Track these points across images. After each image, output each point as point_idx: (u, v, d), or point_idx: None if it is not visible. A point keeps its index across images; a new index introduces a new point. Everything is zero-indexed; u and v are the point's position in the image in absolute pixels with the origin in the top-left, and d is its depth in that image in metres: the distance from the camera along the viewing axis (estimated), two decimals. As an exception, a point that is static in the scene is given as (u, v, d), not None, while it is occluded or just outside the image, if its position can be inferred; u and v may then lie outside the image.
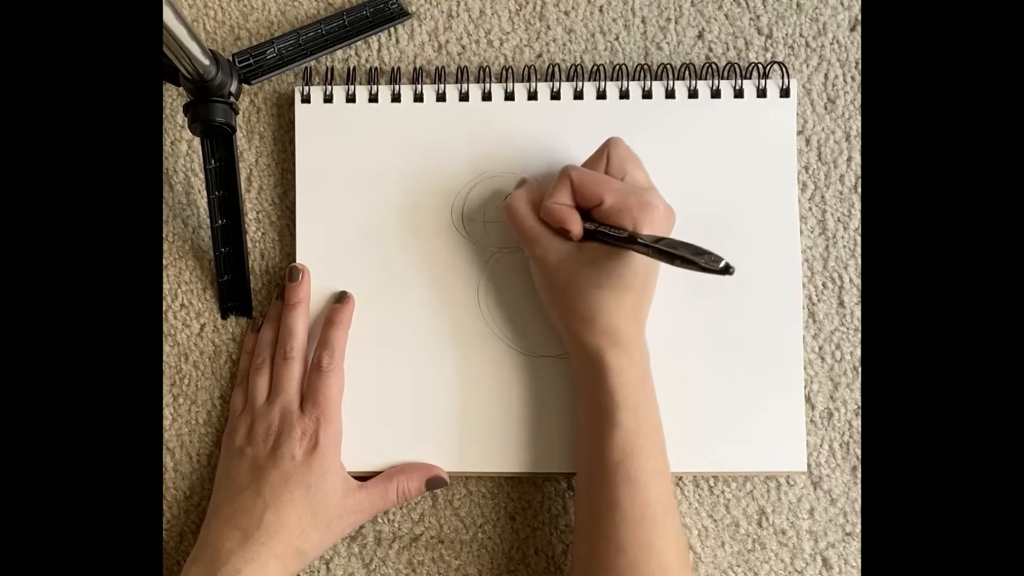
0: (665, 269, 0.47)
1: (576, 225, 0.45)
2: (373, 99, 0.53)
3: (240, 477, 0.48)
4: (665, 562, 0.43)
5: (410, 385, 0.51)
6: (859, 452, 0.51)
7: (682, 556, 0.44)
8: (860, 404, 0.51)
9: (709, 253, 0.39)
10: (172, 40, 0.42)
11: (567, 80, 0.53)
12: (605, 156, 0.47)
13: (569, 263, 0.45)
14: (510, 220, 0.48)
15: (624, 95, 0.52)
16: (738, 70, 0.52)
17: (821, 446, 0.51)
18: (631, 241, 0.43)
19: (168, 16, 0.40)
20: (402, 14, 0.54)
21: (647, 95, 0.52)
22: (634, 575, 0.42)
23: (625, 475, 0.43)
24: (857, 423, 0.51)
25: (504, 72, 0.53)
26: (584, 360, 0.46)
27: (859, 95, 0.53)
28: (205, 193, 0.52)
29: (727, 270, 0.38)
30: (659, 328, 0.48)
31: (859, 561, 0.50)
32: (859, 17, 0.54)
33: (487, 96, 0.52)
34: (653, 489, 0.43)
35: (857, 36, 0.54)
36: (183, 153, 0.54)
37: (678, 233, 0.44)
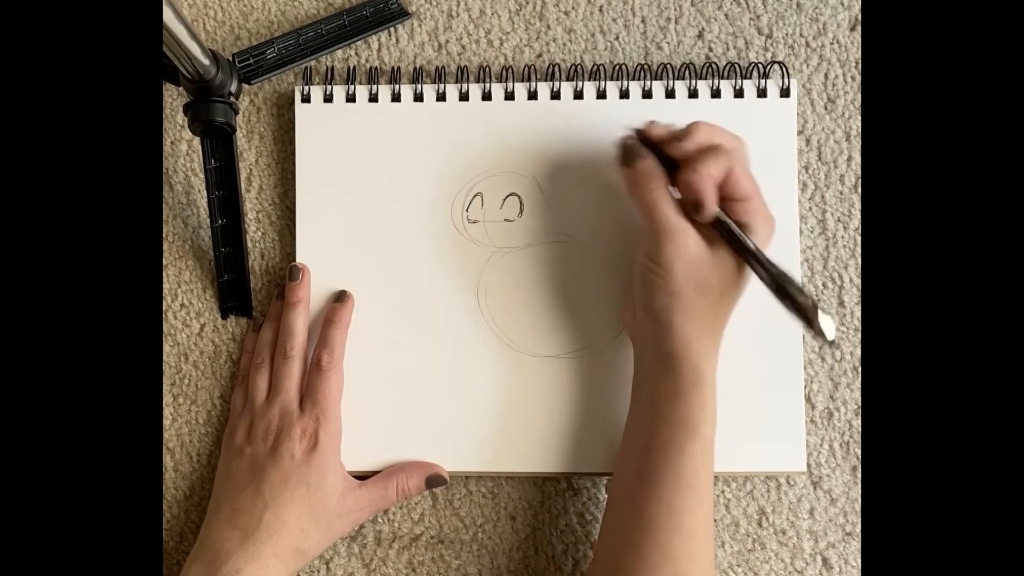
0: None
1: (713, 206, 0.42)
2: (373, 99, 0.53)
3: (240, 476, 0.48)
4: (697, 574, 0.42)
5: (410, 385, 0.51)
6: (859, 452, 0.51)
7: (711, 567, 0.44)
8: (860, 404, 0.51)
9: (815, 308, 0.40)
10: (172, 40, 0.42)
11: (567, 80, 0.53)
12: (727, 142, 0.44)
13: (701, 264, 0.43)
14: (640, 196, 0.44)
15: (624, 95, 0.52)
16: (738, 70, 0.52)
17: (821, 446, 0.51)
18: (752, 254, 0.42)
19: (168, 16, 0.40)
20: (402, 14, 0.54)
21: (647, 95, 0.52)
22: None
23: (691, 485, 0.42)
24: (857, 423, 0.51)
25: (504, 72, 0.53)
26: (681, 367, 0.43)
27: (859, 95, 0.53)
28: (205, 193, 0.52)
29: (822, 336, 0.39)
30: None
31: (859, 561, 0.50)
32: (859, 17, 0.54)
33: (487, 96, 0.52)
34: (710, 504, 0.43)
35: (857, 36, 0.54)
36: (183, 153, 0.54)
37: None
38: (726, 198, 0.43)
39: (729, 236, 0.43)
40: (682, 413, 0.43)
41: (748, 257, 0.43)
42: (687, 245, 0.43)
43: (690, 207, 0.43)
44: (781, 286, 0.41)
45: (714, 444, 0.44)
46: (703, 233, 0.43)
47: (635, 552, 0.42)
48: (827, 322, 0.40)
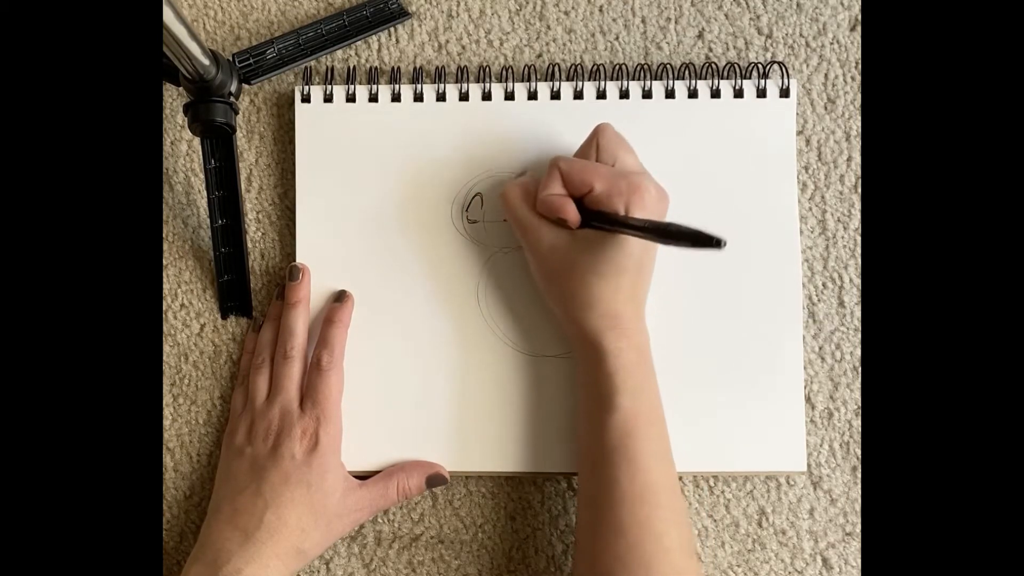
0: (663, 257, 0.47)
1: (572, 213, 0.45)
2: (373, 99, 0.53)
3: (240, 477, 0.48)
4: (665, 544, 0.42)
5: (410, 384, 0.51)
6: (859, 452, 0.51)
7: (685, 541, 0.43)
8: (860, 404, 0.51)
9: (699, 230, 0.39)
10: (172, 40, 0.42)
11: (567, 80, 0.53)
12: (594, 144, 0.47)
13: (564, 250, 0.46)
14: (505, 209, 0.49)
15: (624, 95, 0.52)
16: (738, 70, 0.52)
17: (821, 446, 0.51)
18: (623, 224, 0.43)
19: (168, 16, 0.40)
20: (402, 14, 0.54)
21: (647, 95, 0.52)
22: (633, 557, 0.42)
23: (624, 456, 0.43)
24: (857, 423, 0.51)
25: (504, 72, 0.53)
26: (583, 345, 0.46)
27: (859, 95, 0.53)
28: (205, 193, 0.52)
29: (718, 244, 0.38)
30: (659, 328, 0.48)
31: (859, 561, 0.50)
32: (859, 17, 0.54)
33: (487, 96, 0.52)
34: (654, 471, 0.43)
35: (857, 36, 0.54)
36: (183, 153, 0.54)
37: None
38: (579, 195, 0.46)
39: (596, 224, 0.45)
40: (596, 389, 0.45)
41: (617, 230, 0.44)
42: (541, 237, 0.46)
43: (559, 224, 0.46)
44: (663, 232, 0.41)
45: (650, 413, 0.45)
46: (558, 224, 0.46)
47: (592, 532, 0.44)
48: (707, 234, 0.39)
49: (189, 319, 0.53)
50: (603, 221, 0.44)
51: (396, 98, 0.53)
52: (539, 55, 0.54)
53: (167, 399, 0.52)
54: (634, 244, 0.45)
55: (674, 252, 0.44)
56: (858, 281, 0.52)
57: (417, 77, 0.53)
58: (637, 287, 0.46)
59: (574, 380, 0.50)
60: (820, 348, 0.52)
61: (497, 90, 0.52)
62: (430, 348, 0.51)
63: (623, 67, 0.53)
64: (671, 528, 0.43)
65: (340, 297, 0.51)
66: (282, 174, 0.54)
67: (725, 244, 0.37)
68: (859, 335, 0.52)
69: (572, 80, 0.52)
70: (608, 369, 0.44)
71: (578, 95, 0.52)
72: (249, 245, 0.53)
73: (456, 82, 0.53)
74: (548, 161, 0.50)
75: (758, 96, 0.52)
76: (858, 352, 0.51)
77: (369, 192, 0.52)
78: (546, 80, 0.53)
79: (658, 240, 0.42)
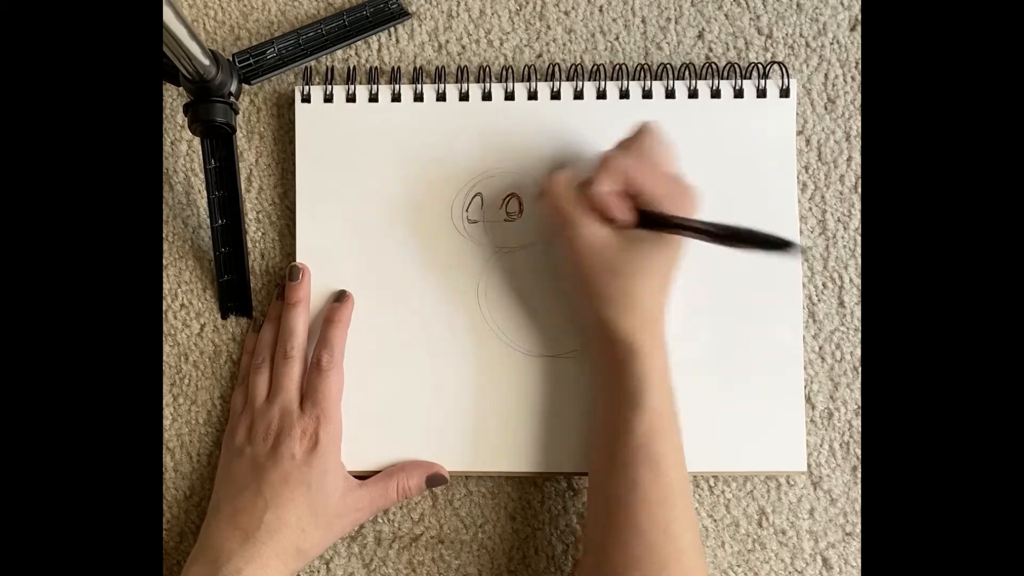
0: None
1: (626, 214, 0.45)
2: (373, 99, 0.53)
3: (240, 476, 0.48)
4: (681, 546, 0.43)
5: (410, 384, 0.51)
6: (859, 452, 0.51)
7: (697, 543, 0.44)
8: (860, 404, 0.51)
9: (773, 234, 0.40)
10: (172, 40, 0.42)
11: (567, 80, 0.53)
12: (642, 142, 0.46)
13: (605, 247, 0.45)
14: (551, 200, 0.47)
15: (624, 95, 0.52)
16: (738, 70, 0.52)
17: (821, 446, 0.51)
18: (686, 227, 0.43)
19: (168, 16, 0.40)
20: (402, 14, 0.54)
21: (647, 95, 0.52)
22: (651, 558, 0.42)
23: (648, 457, 0.43)
24: (857, 423, 0.51)
25: (504, 72, 0.53)
26: (613, 344, 0.45)
27: (859, 95, 0.53)
28: (205, 193, 0.52)
29: (792, 247, 0.39)
30: (659, 328, 0.48)
31: (859, 561, 0.50)
32: (859, 17, 0.54)
33: (487, 96, 0.52)
34: (673, 473, 0.43)
35: (857, 36, 0.54)
36: (183, 153, 0.54)
37: None
38: (637, 196, 0.45)
39: (659, 225, 0.45)
40: (623, 388, 0.45)
41: (678, 232, 0.44)
42: (583, 233, 0.45)
43: (607, 221, 0.45)
44: (734, 236, 0.41)
45: (672, 415, 0.45)
46: (606, 221, 0.45)
47: (606, 530, 0.44)
48: (786, 234, 0.40)
49: (189, 319, 0.53)
50: (662, 223, 0.44)
51: (396, 98, 0.53)
52: (539, 55, 0.54)
53: (167, 399, 0.52)
54: (673, 247, 0.45)
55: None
56: (858, 281, 0.52)
57: (417, 77, 0.53)
58: (667, 289, 0.46)
59: (574, 380, 0.50)
60: (820, 348, 0.52)
61: (497, 90, 0.52)
62: (430, 348, 0.51)
63: (623, 67, 0.53)
64: (686, 530, 0.43)
65: (340, 297, 0.51)
66: (282, 174, 0.54)
67: (798, 248, 0.37)
68: (859, 335, 0.52)
69: (572, 80, 0.52)
70: (640, 369, 0.44)
71: (578, 95, 0.52)
72: (249, 245, 0.53)
73: (456, 82, 0.53)
74: (547, 161, 0.50)
75: (758, 96, 0.52)
76: (858, 352, 0.51)
77: (369, 192, 0.52)
78: (546, 80, 0.53)
79: (726, 244, 0.42)
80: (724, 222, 0.42)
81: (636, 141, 0.47)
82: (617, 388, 0.45)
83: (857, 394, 0.51)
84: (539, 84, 0.52)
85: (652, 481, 0.43)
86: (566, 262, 0.48)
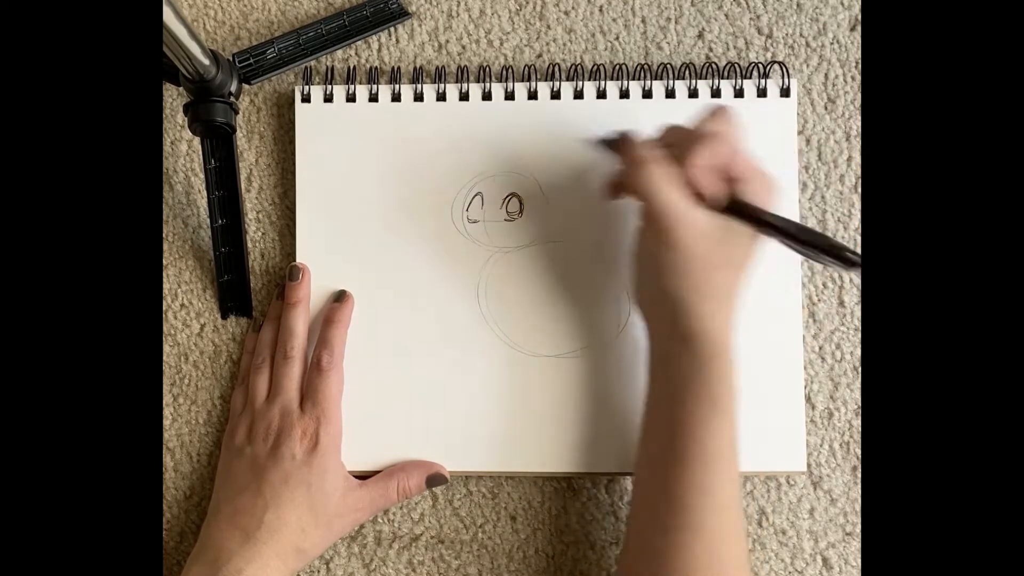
0: None
1: (720, 195, 0.42)
2: (373, 99, 0.53)
3: (240, 477, 0.48)
4: (736, 552, 0.42)
5: (410, 384, 0.51)
6: (859, 452, 0.51)
7: (747, 551, 0.44)
8: (860, 404, 0.51)
9: (843, 244, 0.40)
10: (172, 40, 0.42)
11: (567, 80, 0.53)
12: (722, 128, 0.44)
13: (708, 239, 0.42)
14: (647, 190, 0.43)
15: (624, 95, 0.52)
16: (738, 70, 0.52)
17: (821, 446, 0.51)
18: (765, 223, 0.42)
19: (168, 16, 0.40)
20: (402, 14, 0.54)
21: (647, 95, 0.52)
22: (711, 560, 0.41)
23: (719, 461, 0.42)
24: (857, 423, 0.51)
25: (504, 72, 0.53)
26: (703, 341, 0.43)
27: (859, 95, 0.53)
28: (205, 193, 0.52)
29: (856, 263, 0.39)
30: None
31: (859, 561, 0.50)
32: (859, 17, 0.54)
33: (487, 96, 0.52)
34: (737, 478, 0.43)
35: (857, 36, 0.54)
36: (183, 153, 0.54)
37: None
38: (730, 179, 0.43)
39: (743, 214, 0.43)
40: (704, 388, 0.43)
41: (767, 230, 0.42)
42: (693, 223, 0.42)
43: (697, 199, 0.42)
44: (807, 239, 0.41)
45: (738, 418, 0.43)
46: (706, 209, 0.43)
47: (666, 532, 0.42)
48: (852, 250, 0.40)
49: (189, 319, 0.53)
50: (753, 215, 0.42)
51: (396, 98, 0.53)
52: (539, 55, 0.54)
53: (167, 399, 0.52)
54: (756, 243, 0.44)
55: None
56: (858, 281, 0.52)
57: (417, 77, 0.53)
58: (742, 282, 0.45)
59: (575, 380, 0.50)
60: (820, 348, 0.52)
61: (497, 90, 0.52)
62: (430, 348, 0.51)
63: (623, 67, 0.53)
64: (742, 538, 0.43)
65: (340, 297, 0.51)
66: (282, 174, 0.54)
67: (860, 265, 0.37)
68: (859, 335, 0.52)
69: (572, 80, 0.52)
70: (727, 372, 0.43)
71: (578, 95, 0.52)
72: (249, 245, 0.53)
73: (456, 82, 0.53)
74: (547, 161, 0.50)
75: (758, 96, 0.52)
76: (858, 352, 0.51)
77: (369, 192, 0.52)
78: (546, 80, 0.53)
79: (795, 244, 0.41)
80: (807, 227, 0.41)
81: (716, 123, 0.44)
82: (703, 388, 0.43)
83: (857, 394, 0.51)
84: (539, 84, 0.52)
85: (722, 487, 0.42)
86: (658, 256, 0.44)
